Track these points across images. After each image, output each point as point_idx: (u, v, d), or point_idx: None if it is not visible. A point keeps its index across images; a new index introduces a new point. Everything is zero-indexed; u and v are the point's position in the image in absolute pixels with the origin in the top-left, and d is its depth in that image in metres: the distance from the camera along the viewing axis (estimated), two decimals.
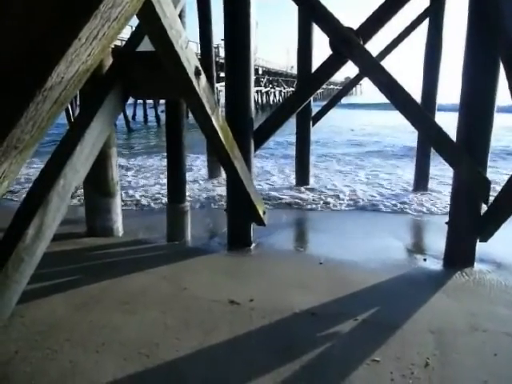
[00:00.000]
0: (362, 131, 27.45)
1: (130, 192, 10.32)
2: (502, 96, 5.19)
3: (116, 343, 3.69)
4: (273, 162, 15.24)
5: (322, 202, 9.45)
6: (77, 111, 20.38)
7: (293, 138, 11.82)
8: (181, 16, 4.97)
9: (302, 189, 10.59)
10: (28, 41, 1.21)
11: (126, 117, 28.57)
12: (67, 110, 20.71)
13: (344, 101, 21.06)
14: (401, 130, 22.15)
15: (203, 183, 11.50)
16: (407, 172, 12.28)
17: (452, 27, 12.53)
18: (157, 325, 4.01)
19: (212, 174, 12.14)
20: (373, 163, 14.87)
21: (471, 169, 5.36)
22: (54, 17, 1.18)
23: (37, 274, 2.82)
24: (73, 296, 4.62)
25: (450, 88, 12.51)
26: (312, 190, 10.50)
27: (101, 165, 6.25)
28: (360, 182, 11.59)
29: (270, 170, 13.60)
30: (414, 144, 10.55)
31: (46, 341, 3.71)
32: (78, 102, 19.83)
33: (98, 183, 6.51)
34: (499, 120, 5.47)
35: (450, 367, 3.42)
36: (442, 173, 11.20)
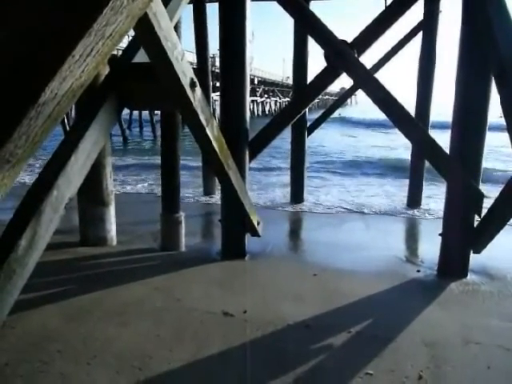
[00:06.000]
0: None
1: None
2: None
3: (108, 355, 3.66)
4: None
5: None
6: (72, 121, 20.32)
7: None
8: (176, 27, 5.00)
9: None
10: (22, 57, 1.22)
11: (121, 126, 28.52)
12: (62, 120, 20.65)
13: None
14: None
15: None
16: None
17: (446, 41, 12.68)
18: (149, 337, 3.98)
19: (207, 190, 11.49)
20: None
21: (464, 181, 5.40)
22: (49, 33, 1.19)
23: (29, 284, 2.79)
24: (65, 307, 4.58)
25: (442, 106, 12.65)
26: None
27: (95, 174, 6.25)
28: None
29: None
30: None
31: (37, 353, 3.67)
32: (73, 113, 19.76)
33: (93, 193, 6.49)
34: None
35: (443, 380, 3.42)
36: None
